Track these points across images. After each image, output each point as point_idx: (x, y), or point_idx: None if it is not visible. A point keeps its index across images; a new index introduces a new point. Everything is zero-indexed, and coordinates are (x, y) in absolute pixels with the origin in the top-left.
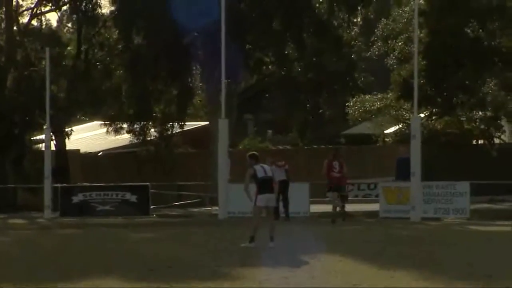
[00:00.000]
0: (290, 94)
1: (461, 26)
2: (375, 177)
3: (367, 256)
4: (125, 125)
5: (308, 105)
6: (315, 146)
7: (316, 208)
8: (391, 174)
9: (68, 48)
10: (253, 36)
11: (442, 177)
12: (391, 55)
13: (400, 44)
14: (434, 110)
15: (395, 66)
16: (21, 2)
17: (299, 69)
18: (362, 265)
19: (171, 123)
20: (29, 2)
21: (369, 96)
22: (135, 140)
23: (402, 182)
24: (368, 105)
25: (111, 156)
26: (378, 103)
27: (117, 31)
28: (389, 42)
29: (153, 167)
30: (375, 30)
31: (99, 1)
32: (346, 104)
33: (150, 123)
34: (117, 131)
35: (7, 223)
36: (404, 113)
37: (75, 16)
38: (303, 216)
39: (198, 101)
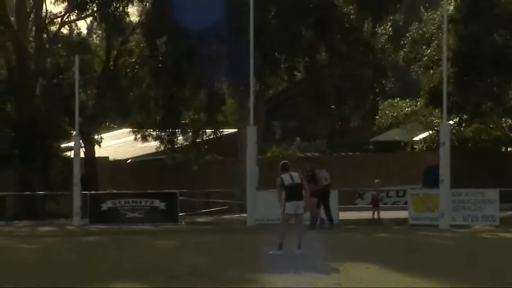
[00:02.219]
0: (318, 101)
1: (488, 33)
2: (402, 184)
3: (394, 263)
4: (153, 132)
5: (335, 112)
6: (342, 153)
7: (344, 215)
8: (418, 182)
9: (97, 55)
10: (281, 43)
11: (470, 184)
12: (419, 62)
13: (429, 51)
14: (463, 117)
15: (419, 71)
16: (50, 10)
17: (327, 76)
18: (389, 273)
19: (199, 130)
20: (59, 9)
21: (397, 101)
22: (162, 147)
23: (429, 189)
24: (397, 111)
25: (140, 163)
26: (407, 109)
27: (144, 39)
28: (417, 48)
29: (181, 174)
30: (405, 36)
31: (126, 10)
32: (377, 110)
33: (178, 130)
34: (145, 138)
35: (36, 231)
36: (434, 119)
37: (103, 24)
38: (328, 224)
39: (227, 108)
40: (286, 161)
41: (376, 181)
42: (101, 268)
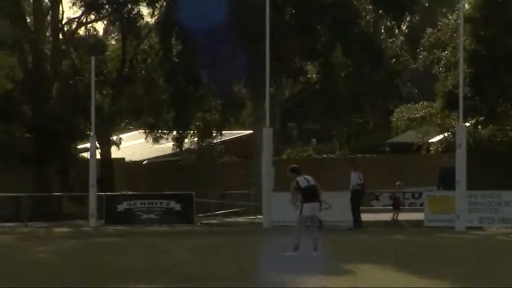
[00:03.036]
0: (333, 104)
1: (505, 34)
2: (418, 186)
3: (409, 265)
4: (166, 134)
5: (350, 115)
6: (359, 155)
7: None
8: (432, 184)
9: (113, 57)
10: (296, 44)
11: (487, 186)
12: (436, 65)
13: (445, 53)
14: (480, 119)
15: (439, 75)
16: (67, 14)
17: (341, 79)
18: (404, 274)
19: (214, 132)
20: (77, 13)
21: (413, 104)
22: (177, 149)
23: (444, 191)
24: (413, 114)
25: (156, 164)
26: (423, 111)
27: (158, 41)
28: (435, 51)
29: (197, 175)
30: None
31: (141, 11)
32: (392, 112)
33: (193, 132)
34: (157, 139)
35: (52, 232)
36: (451, 120)
37: (119, 25)
38: (347, 225)
39: (244, 110)
40: (295, 165)
41: (397, 183)
42: (115, 270)
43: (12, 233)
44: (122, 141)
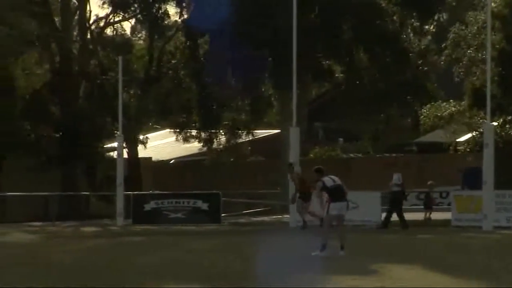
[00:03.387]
0: (359, 103)
1: None
2: (445, 186)
3: (436, 264)
4: (194, 133)
5: (378, 114)
6: (386, 155)
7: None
8: (457, 183)
9: (140, 56)
10: (322, 46)
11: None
12: (461, 63)
13: (470, 51)
14: (507, 118)
15: (462, 73)
16: (94, 11)
17: (368, 79)
18: (431, 274)
19: (241, 131)
20: (104, 12)
21: (441, 103)
22: (204, 148)
23: (470, 191)
24: (441, 112)
25: (183, 164)
26: (452, 109)
27: (185, 40)
28: (460, 49)
29: (223, 175)
30: (448, 37)
31: (168, 11)
32: (420, 112)
33: (220, 131)
34: (186, 139)
35: (79, 231)
36: (478, 119)
37: (146, 24)
38: (374, 224)
39: (271, 110)
40: (319, 166)
41: (429, 182)
42: (140, 269)
43: (40, 232)
44: (148, 140)
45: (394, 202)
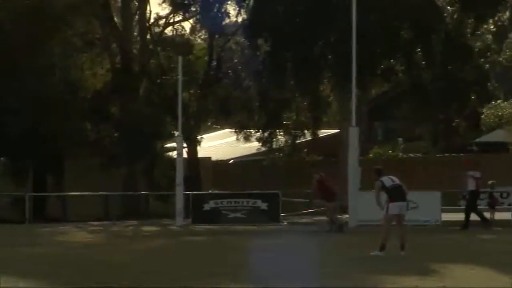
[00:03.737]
0: (420, 103)
1: None
2: (506, 186)
3: (498, 265)
4: (254, 133)
5: (438, 114)
6: (446, 155)
7: (447, 216)
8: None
9: (200, 56)
10: (382, 45)
11: None
12: None
13: None
14: None
15: None
16: (156, 13)
17: (428, 78)
18: (494, 275)
19: (300, 131)
20: (165, 12)
21: (501, 102)
22: (264, 148)
23: None
24: (503, 112)
25: (242, 163)
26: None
27: (246, 40)
28: None
29: (283, 174)
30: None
31: (228, 11)
32: (481, 111)
33: (279, 131)
34: (247, 139)
35: (139, 230)
36: None
37: (206, 25)
38: (434, 224)
39: (330, 109)
40: (379, 166)
41: (490, 182)
42: (199, 269)
43: (101, 232)
44: (206, 140)
45: (472, 201)
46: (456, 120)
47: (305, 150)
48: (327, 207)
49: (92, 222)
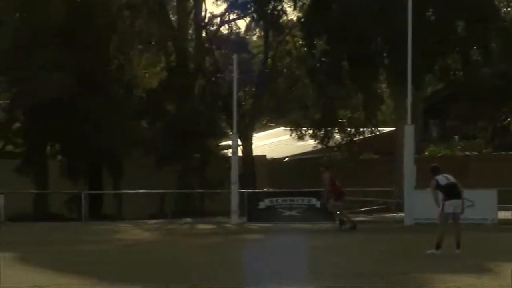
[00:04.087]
0: (477, 101)
1: None
2: None
3: None
4: (309, 131)
5: (495, 112)
6: (503, 153)
7: (504, 214)
8: None
9: (255, 54)
10: (438, 43)
11: None
12: None
13: None
14: None
15: None
16: (211, 11)
17: (485, 76)
18: None
19: (356, 129)
20: (220, 10)
21: None
22: (319, 146)
23: None
24: None
25: (297, 162)
26: None
27: (301, 38)
28: None
29: (338, 173)
30: None
31: (284, 8)
32: None
33: (335, 129)
34: (301, 137)
35: (194, 228)
36: None
37: (262, 23)
38: (490, 223)
39: (385, 107)
40: (435, 164)
41: None
42: (257, 268)
43: (157, 229)
44: (260, 138)
45: None
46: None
47: (361, 148)
48: (336, 205)
49: (147, 220)
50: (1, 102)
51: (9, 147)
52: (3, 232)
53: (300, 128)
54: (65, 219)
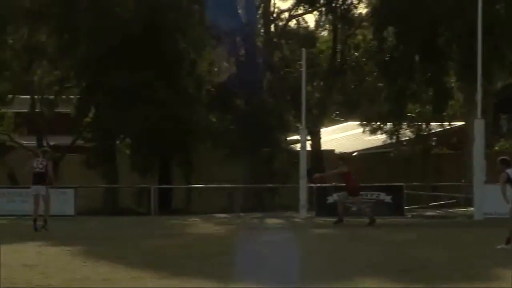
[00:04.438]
0: None
1: None
2: None
3: None
4: (380, 125)
5: None
6: None
7: None
8: None
9: (324, 49)
10: (509, 36)
11: None
12: None
13: None
14: None
15: None
16: (278, 5)
17: None
18: None
19: (426, 124)
20: (287, 5)
21: None
22: (388, 140)
23: None
24: None
25: (366, 156)
26: None
27: (371, 32)
28: None
29: (408, 167)
30: None
31: (354, 2)
32: None
33: (405, 123)
34: (373, 131)
35: (264, 223)
36: None
37: (331, 17)
38: None
39: (455, 102)
40: (505, 156)
41: None
42: (331, 263)
43: (226, 223)
44: (329, 133)
45: None
46: None
47: (432, 142)
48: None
49: (216, 214)
50: (72, 97)
51: (79, 142)
52: (73, 226)
53: (370, 122)
54: (134, 213)
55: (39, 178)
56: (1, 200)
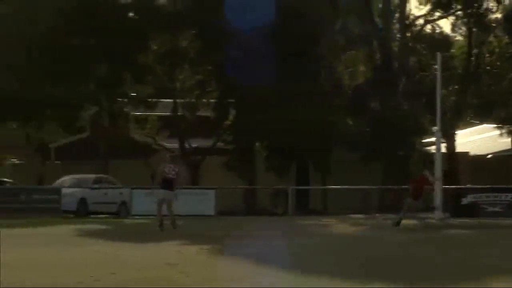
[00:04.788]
0: None
1: None
2: None
3: None
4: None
5: None
6: None
7: None
8: None
9: (459, 53)
10: None
11: None
12: None
13: None
14: None
15: None
16: (413, 11)
17: None
18: None
19: None
20: (422, 9)
21: None
22: None
23: None
24: None
25: (500, 158)
26: None
27: (506, 36)
28: None
29: None
30: None
31: (490, 7)
32: None
33: None
34: (509, 133)
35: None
36: None
37: (466, 21)
38: None
39: None
40: None
41: None
42: (464, 265)
43: (361, 224)
44: (464, 135)
45: None
46: None
47: None
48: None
49: (351, 215)
50: (212, 100)
51: (219, 144)
52: (212, 225)
53: (506, 125)
54: (270, 214)
55: (170, 184)
56: (145, 200)
